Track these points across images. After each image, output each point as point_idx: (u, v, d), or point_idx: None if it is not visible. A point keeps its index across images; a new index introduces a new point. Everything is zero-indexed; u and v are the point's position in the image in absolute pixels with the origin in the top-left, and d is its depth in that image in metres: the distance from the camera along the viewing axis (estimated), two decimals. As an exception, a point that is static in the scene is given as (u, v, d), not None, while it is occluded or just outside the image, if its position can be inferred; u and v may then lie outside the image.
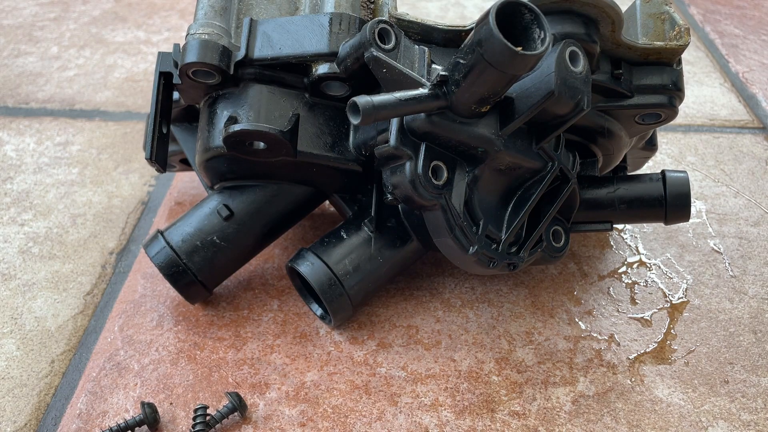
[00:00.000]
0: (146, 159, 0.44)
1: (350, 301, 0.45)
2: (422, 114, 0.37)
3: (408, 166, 0.38)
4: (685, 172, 0.48)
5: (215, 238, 0.46)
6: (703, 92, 0.77)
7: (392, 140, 0.38)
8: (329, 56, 0.42)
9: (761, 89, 0.77)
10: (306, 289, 0.49)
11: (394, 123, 0.38)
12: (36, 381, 0.46)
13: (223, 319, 0.49)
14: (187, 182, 0.62)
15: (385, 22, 0.39)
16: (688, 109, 0.74)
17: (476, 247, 0.40)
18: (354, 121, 0.34)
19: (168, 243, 0.46)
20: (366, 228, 0.46)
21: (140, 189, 0.62)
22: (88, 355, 0.47)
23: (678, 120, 0.72)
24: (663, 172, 0.48)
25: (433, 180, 0.38)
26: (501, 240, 0.41)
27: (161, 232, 0.47)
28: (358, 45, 0.39)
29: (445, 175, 0.39)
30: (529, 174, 0.42)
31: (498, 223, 0.42)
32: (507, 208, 0.43)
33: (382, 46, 0.39)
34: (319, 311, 0.49)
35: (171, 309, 0.50)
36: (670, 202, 0.47)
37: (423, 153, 0.38)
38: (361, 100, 0.33)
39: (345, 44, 0.41)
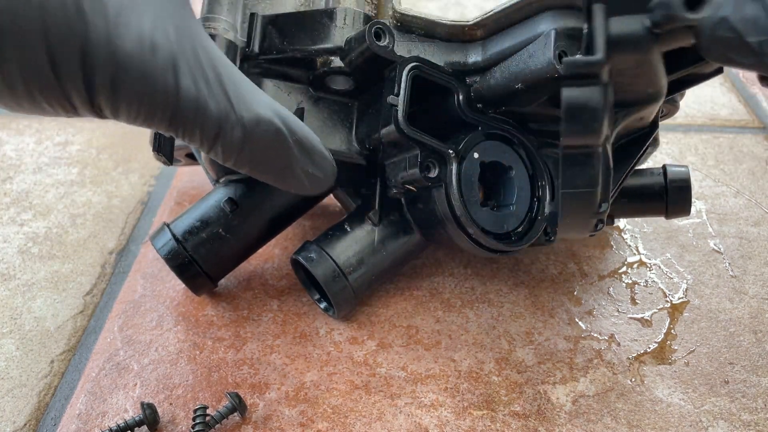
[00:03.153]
0: (153, 151, 0.45)
1: (354, 293, 0.46)
2: None
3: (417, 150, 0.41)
4: (686, 166, 0.48)
5: (221, 230, 0.46)
6: (703, 92, 0.77)
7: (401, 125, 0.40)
8: (334, 51, 0.42)
9: (761, 89, 0.77)
10: (310, 281, 0.49)
11: (400, 110, 0.40)
12: (35, 381, 0.45)
13: (223, 319, 0.49)
14: (187, 182, 0.62)
15: (380, 23, 0.41)
16: (688, 108, 0.74)
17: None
18: None
19: (174, 235, 0.46)
20: (369, 221, 0.46)
21: (140, 189, 0.62)
22: (88, 356, 0.47)
23: (678, 119, 0.72)
24: (664, 166, 0.48)
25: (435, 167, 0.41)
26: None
27: (167, 225, 0.47)
28: (363, 40, 0.40)
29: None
30: None
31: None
32: None
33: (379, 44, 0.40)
34: (323, 303, 0.49)
35: (171, 309, 0.50)
36: (671, 195, 0.48)
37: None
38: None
39: (349, 39, 0.42)
